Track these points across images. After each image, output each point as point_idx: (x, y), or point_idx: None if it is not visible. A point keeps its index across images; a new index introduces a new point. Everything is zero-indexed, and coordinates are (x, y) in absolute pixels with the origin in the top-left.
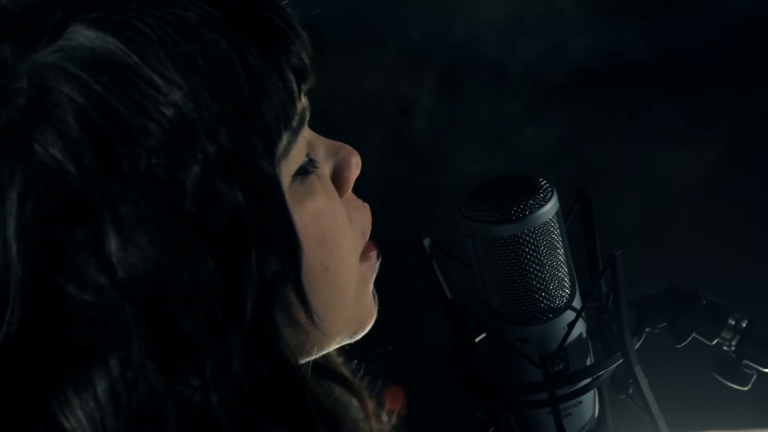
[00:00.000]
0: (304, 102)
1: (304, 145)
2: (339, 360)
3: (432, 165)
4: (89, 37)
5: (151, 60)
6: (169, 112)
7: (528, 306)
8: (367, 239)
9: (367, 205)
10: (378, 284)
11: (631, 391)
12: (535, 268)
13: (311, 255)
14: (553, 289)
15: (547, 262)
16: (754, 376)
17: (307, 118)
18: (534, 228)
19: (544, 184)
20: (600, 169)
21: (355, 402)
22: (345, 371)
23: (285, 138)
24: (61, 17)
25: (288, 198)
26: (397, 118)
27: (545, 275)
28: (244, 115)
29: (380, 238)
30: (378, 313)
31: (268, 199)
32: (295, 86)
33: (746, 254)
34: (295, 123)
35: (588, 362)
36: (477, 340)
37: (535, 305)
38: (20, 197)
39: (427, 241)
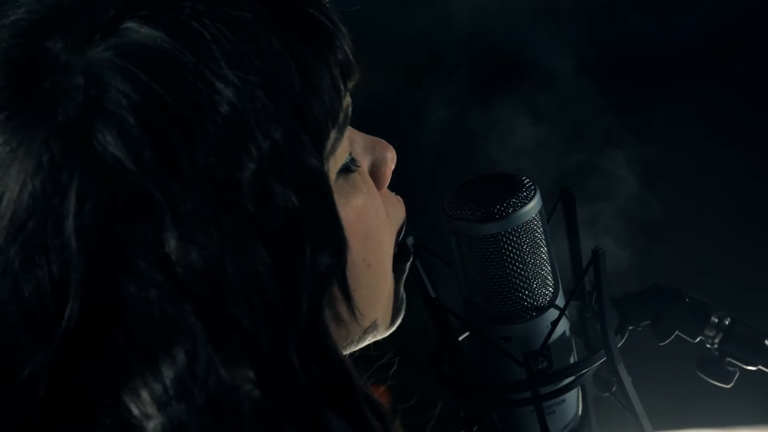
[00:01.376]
0: (347, 99)
1: (347, 141)
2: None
3: (416, 162)
4: (143, 35)
5: (206, 58)
6: (225, 110)
7: (511, 304)
8: (401, 233)
9: (401, 199)
10: None
11: (614, 389)
12: (518, 267)
13: (356, 252)
14: (536, 287)
15: (530, 260)
16: (737, 374)
17: (351, 114)
18: (517, 226)
19: (527, 182)
20: (583, 167)
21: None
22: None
23: (333, 135)
24: (115, 14)
25: (335, 195)
26: (383, 116)
27: (528, 273)
28: (297, 113)
29: None
30: None
31: (319, 197)
32: (341, 83)
33: (730, 252)
34: (341, 119)
35: (571, 360)
36: (460, 338)
37: (518, 304)
38: (79, 195)
39: (410, 240)
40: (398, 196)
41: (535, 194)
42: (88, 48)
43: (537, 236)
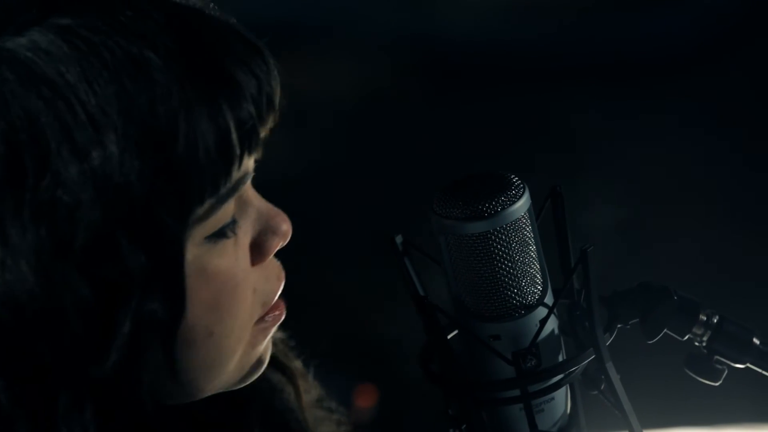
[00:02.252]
0: (247, 167)
1: (231, 207)
2: (282, 348)
3: (405, 161)
4: (50, 45)
5: (99, 91)
6: (94, 152)
7: (500, 303)
8: (272, 303)
9: (282, 276)
10: (351, 282)
11: (603, 387)
12: (507, 265)
13: (197, 318)
14: (525, 285)
15: (519, 258)
16: (725, 372)
17: (245, 184)
18: (506, 225)
19: (516, 180)
20: (573, 166)
21: (291, 390)
22: (285, 360)
23: (207, 204)
24: (36, 15)
25: (192, 258)
26: (372, 113)
27: (517, 272)
28: (167, 175)
29: (355, 235)
30: (350, 310)
31: (165, 260)
32: (237, 155)
33: (719, 250)
34: (224, 191)
35: (560, 359)
36: (449, 337)
37: (507, 302)
38: None
39: (399, 239)
40: (281, 270)
41: (523, 193)
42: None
43: (526, 234)
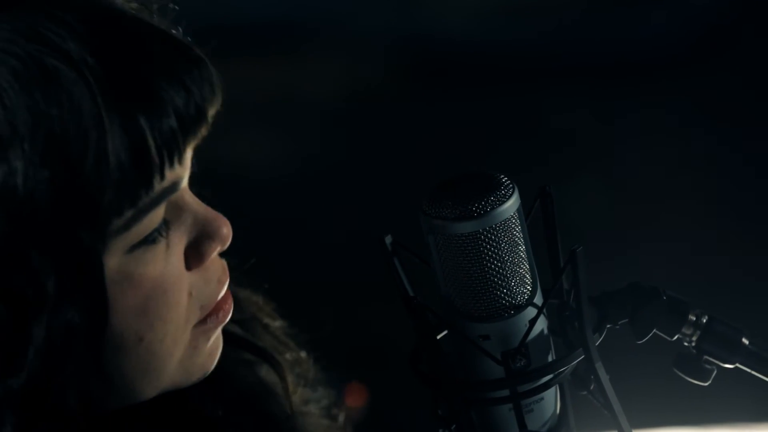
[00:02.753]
0: (174, 176)
1: (159, 215)
2: (269, 339)
3: (395, 161)
4: None
5: (7, 103)
6: (0, 167)
7: (489, 303)
8: (213, 305)
9: (225, 279)
10: (340, 282)
11: (592, 387)
12: (496, 265)
13: (125, 324)
14: (514, 285)
15: (508, 258)
16: (715, 372)
17: (177, 190)
18: (495, 225)
19: (505, 181)
20: (562, 166)
21: (276, 381)
22: (275, 349)
23: (128, 214)
24: None
25: (116, 265)
26: (364, 114)
27: (506, 272)
28: (75, 189)
29: (345, 234)
30: (340, 311)
31: (78, 272)
32: (158, 164)
33: (710, 250)
34: (144, 202)
35: (549, 359)
36: (439, 337)
37: (496, 302)
38: None
39: (388, 239)
40: (225, 271)
41: (513, 192)
42: None
43: (515, 234)
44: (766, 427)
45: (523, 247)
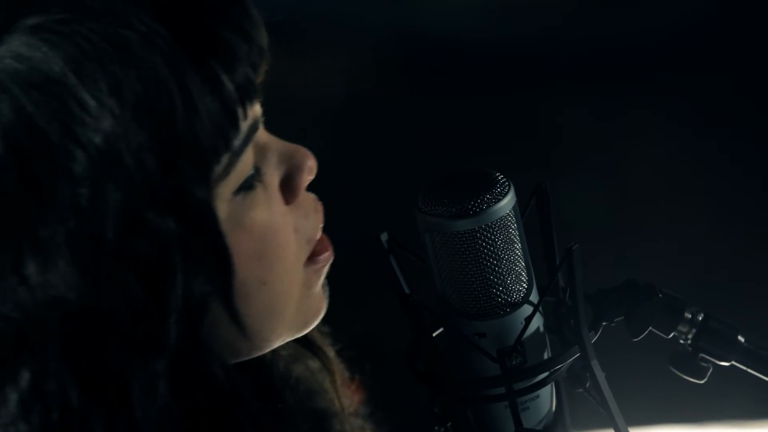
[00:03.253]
0: (254, 113)
1: (250, 158)
2: (321, 337)
3: (391, 158)
4: (29, 48)
5: (87, 81)
6: (97, 138)
7: (485, 301)
8: (316, 241)
9: (320, 208)
10: (337, 279)
11: (588, 384)
12: (492, 263)
13: (247, 271)
14: (510, 283)
15: (504, 256)
16: (710, 370)
17: (257, 130)
18: (491, 222)
19: (501, 178)
20: (558, 163)
21: (326, 379)
22: (326, 348)
23: (225, 159)
24: (3, 22)
25: (226, 215)
26: (358, 111)
27: (502, 270)
28: (175, 143)
29: (341, 232)
30: (336, 308)
31: (198, 225)
32: (238, 108)
33: (706, 249)
34: (237, 143)
35: (545, 356)
36: (434, 335)
37: (492, 300)
38: None
39: (384, 236)
40: (316, 202)
41: (509, 190)
42: None
43: (511, 232)
44: (761, 425)
45: (519, 245)
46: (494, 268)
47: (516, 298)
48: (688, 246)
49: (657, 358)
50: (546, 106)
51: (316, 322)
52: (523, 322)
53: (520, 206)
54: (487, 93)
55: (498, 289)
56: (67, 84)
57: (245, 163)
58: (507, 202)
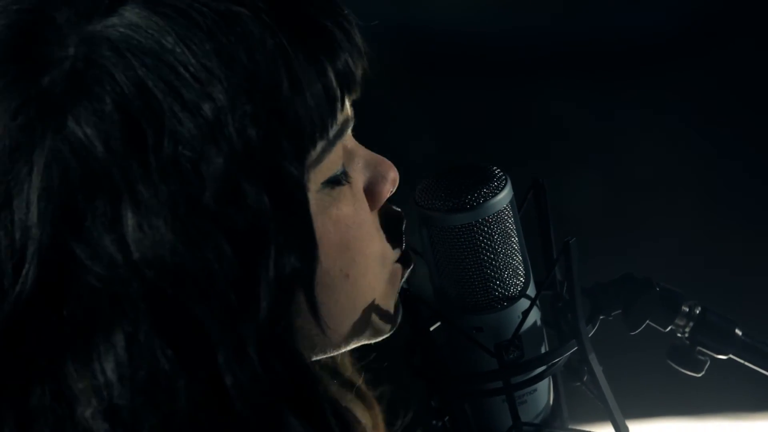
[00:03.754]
0: (347, 112)
1: (340, 154)
2: (353, 369)
3: (386, 152)
4: (142, 18)
5: (197, 51)
6: (205, 105)
7: (483, 294)
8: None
9: (401, 216)
10: None
11: (585, 378)
12: (489, 257)
13: (331, 261)
14: (507, 277)
15: (501, 250)
16: (708, 363)
17: (349, 128)
18: (488, 216)
19: (498, 172)
20: (555, 157)
21: (365, 412)
22: (359, 381)
23: (320, 146)
24: None
25: (314, 203)
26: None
27: (500, 264)
28: (278, 118)
29: None
30: None
31: (291, 203)
32: (338, 96)
33: (704, 243)
34: (332, 133)
35: (543, 350)
36: (432, 329)
37: (489, 294)
38: (47, 163)
39: None
40: (400, 214)
41: (506, 184)
42: (88, 23)
43: (508, 226)
44: (759, 418)
45: (516, 239)
46: (491, 262)
47: (513, 292)
48: (686, 241)
49: (655, 352)
50: (543, 100)
51: (387, 333)
52: (521, 316)
53: (518, 200)
54: (484, 87)
55: (495, 283)
56: (178, 53)
57: (336, 156)
58: (504, 196)
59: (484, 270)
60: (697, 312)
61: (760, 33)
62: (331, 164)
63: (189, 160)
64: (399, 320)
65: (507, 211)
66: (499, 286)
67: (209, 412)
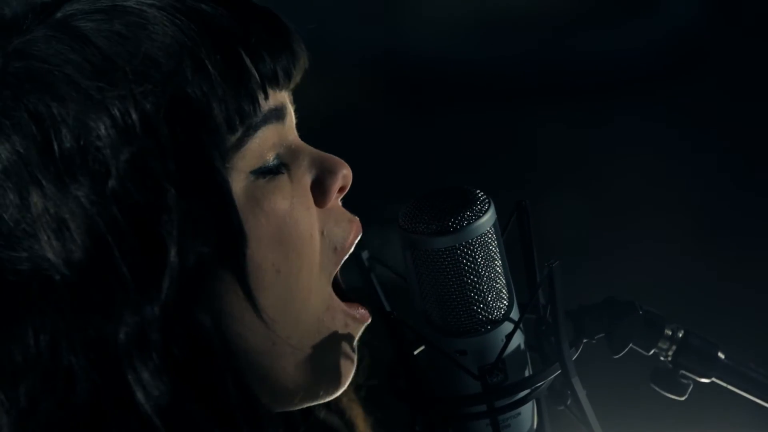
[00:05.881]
0: (278, 102)
1: (269, 144)
2: (355, 406)
3: (372, 176)
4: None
5: (101, 46)
6: (109, 94)
7: (466, 318)
8: (345, 254)
9: (355, 222)
10: None
11: (569, 402)
12: (472, 280)
13: (262, 254)
14: (491, 300)
15: (484, 273)
16: (691, 386)
17: (283, 120)
18: (471, 239)
19: (482, 196)
20: (538, 181)
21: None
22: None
23: (240, 131)
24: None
25: (241, 190)
26: (340, 130)
27: (483, 287)
28: (182, 101)
29: None
30: None
31: (202, 187)
32: (258, 86)
33: (686, 265)
34: (255, 120)
35: (526, 374)
36: (416, 352)
37: (473, 317)
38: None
39: (365, 254)
40: (353, 217)
41: (489, 207)
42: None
43: (491, 249)
44: None
45: (499, 262)
46: (475, 285)
47: (497, 315)
48: (669, 263)
49: (638, 374)
50: (526, 124)
51: (336, 384)
52: (504, 340)
53: (501, 224)
54: (468, 111)
55: (479, 306)
56: (85, 50)
57: (263, 145)
58: (487, 219)
59: (468, 293)
60: (680, 335)
61: (738, 57)
62: (258, 152)
63: (94, 148)
64: (351, 372)
65: (490, 234)
66: (482, 309)
67: (106, 394)
